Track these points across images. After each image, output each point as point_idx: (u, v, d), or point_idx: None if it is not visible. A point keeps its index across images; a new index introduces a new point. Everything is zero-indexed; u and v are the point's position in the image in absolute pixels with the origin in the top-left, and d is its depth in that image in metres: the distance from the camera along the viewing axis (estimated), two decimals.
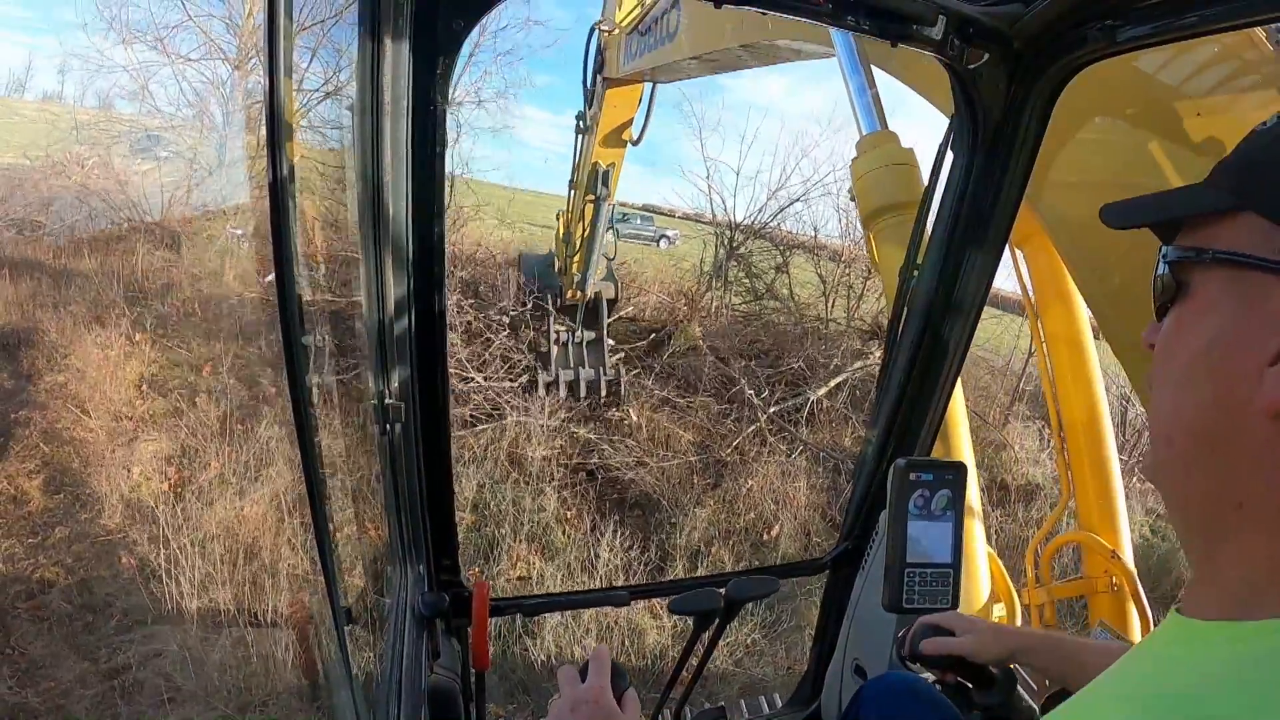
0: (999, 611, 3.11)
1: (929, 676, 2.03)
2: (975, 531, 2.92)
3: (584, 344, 10.33)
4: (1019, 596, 3.21)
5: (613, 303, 10.41)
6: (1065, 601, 3.69)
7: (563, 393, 9.96)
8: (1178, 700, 0.58)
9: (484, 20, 1.55)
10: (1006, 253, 3.51)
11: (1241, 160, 0.70)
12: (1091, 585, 3.41)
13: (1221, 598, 0.65)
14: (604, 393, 10.23)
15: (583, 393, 10.11)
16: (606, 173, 8.18)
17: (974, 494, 2.91)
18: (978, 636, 1.56)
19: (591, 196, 8.35)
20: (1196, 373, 0.67)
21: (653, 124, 7.65)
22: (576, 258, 9.54)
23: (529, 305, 10.57)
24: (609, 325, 10.41)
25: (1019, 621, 3.20)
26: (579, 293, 9.90)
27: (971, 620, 1.62)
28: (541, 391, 9.78)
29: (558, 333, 10.21)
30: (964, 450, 2.87)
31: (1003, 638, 1.55)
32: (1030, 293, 3.52)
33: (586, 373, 10.16)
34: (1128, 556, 3.31)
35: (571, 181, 8.93)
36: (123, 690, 5.21)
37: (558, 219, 9.94)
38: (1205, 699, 0.56)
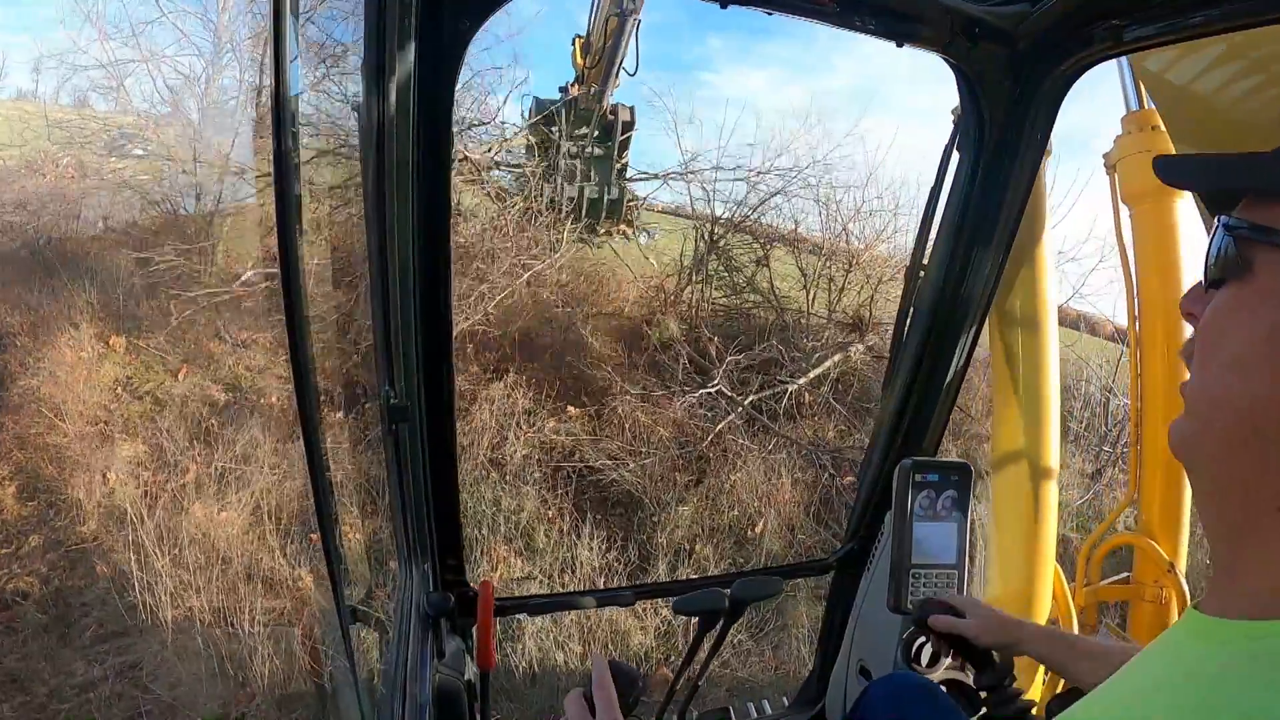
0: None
1: (934, 677, 2.05)
2: (1048, 545, 2.87)
3: (593, 159, 10.11)
4: (1071, 597, 3.12)
5: (628, 125, 10.20)
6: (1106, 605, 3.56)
7: (565, 209, 9.81)
8: (1198, 696, 0.57)
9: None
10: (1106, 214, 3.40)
11: None
12: (1138, 592, 3.25)
13: (1245, 597, 0.62)
14: (605, 211, 10.11)
15: (585, 210, 10.01)
16: None
17: (1052, 506, 2.86)
18: (983, 621, 1.62)
19: (616, 10, 8.26)
20: (1252, 360, 0.63)
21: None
22: (595, 69, 9.35)
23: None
24: (620, 143, 10.20)
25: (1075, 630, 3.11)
26: (594, 103, 9.71)
27: (981, 605, 1.69)
28: (545, 206, 9.58)
29: (566, 147, 9.95)
30: (1052, 459, 2.82)
31: (1007, 626, 1.61)
32: (1131, 259, 3.26)
33: (591, 189, 9.96)
34: (1184, 571, 3.15)
35: None
36: (99, 703, 5.13)
37: (573, 43, 9.77)
38: (1225, 695, 0.55)
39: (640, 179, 12.52)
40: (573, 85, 10.21)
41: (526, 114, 11.10)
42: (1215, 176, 0.76)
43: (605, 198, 10.15)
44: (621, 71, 9.34)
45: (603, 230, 10.34)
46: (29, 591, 6.10)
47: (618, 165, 10.36)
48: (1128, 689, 0.66)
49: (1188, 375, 0.72)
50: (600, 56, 9.05)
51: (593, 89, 9.63)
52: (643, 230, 12.74)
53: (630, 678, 1.33)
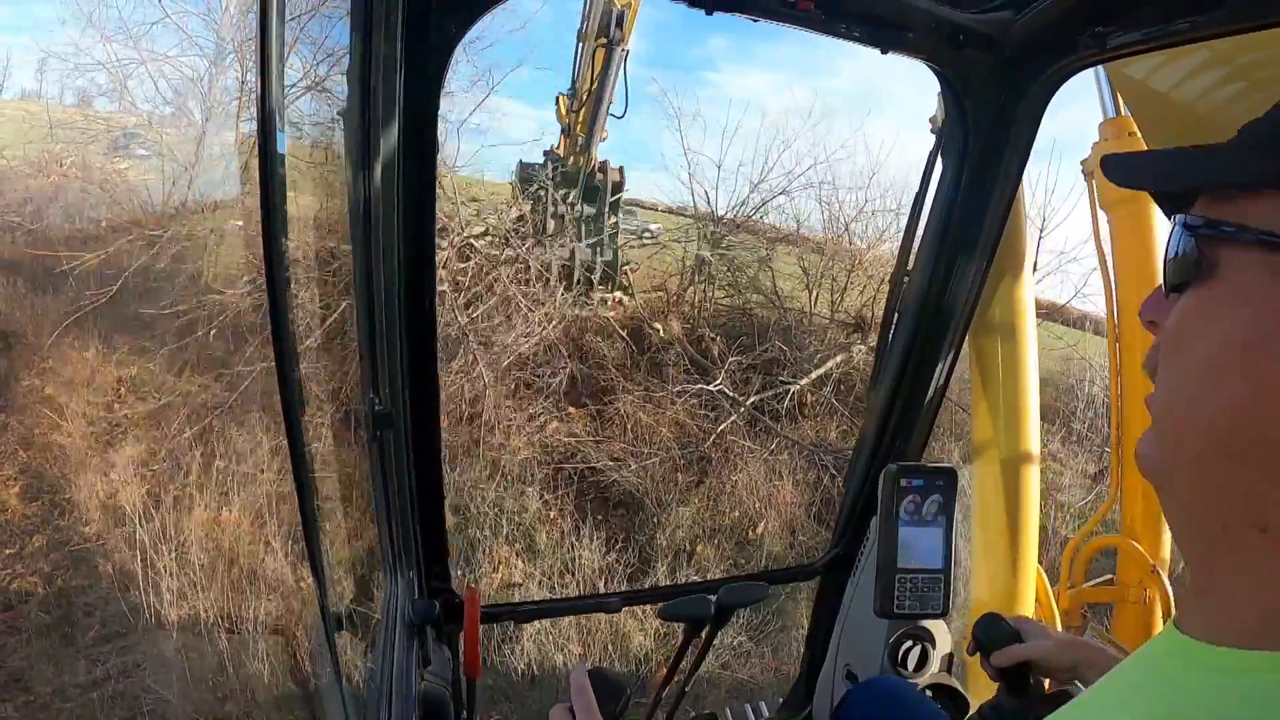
0: None
1: (920, 682, 2.05)
2: (1030, 548, 2.86)
3: (583, 219, 9.77)
4: (1055, 600, 3.12)
5: (618, 185, 9.91)
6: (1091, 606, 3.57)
7: (556, 275, 9.45)
8: None
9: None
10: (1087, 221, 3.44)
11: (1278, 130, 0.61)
12: (1122, 594, 3.30)
13: (1230, 622, 0.57)
14: (599, 274, 9.75)
15: (578, 275, 9.61)
16: (622, 14, 7.73)
17: (1034, 509, 2.85)
18: (1051, 645, 1.47)
19: (603, 40, 7.88)
20: (1224, 369, 0.58)
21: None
22: (581, 114, 9.06)
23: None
24: (611, 204, 9.88)
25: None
26: (582, 157, 9.40)
27: (1039, 626, 1.55)
28: (535, 273, 9.24)
29: (554, 207, 9.62)
30: (1033, 464, 2.79)
31: (1071, 649, 1.46)
32: (1110, 264, 3.28)
33: (583, 252, 9.66)
34: (1167, 572, 3.18)
35: (580, 32, 8.51)
36: (102, 702, 5.15)
37: (558, 102, 9.52)
38: None
39: (638, 207, 12.29)
40: (558, 145, 10.00)
41: (513, 178, 10.79)
42: (1168, 173, 0.71)
43: (598, 259, 9.84)
44: (609, 117, 8.98)
45: (597, 298, 10.09)
46: (32, 592, 6.13)
47: (609, 226, 10.14)
48: (1114, 707, 0.63)
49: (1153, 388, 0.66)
50: (586, 98, 8.71)
51: (580, 140, 9.32)
52: (644, 229, 12.70)
53: (616, 686, 1.31)
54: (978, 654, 1.55)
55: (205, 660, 5.42)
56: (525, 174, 10.24)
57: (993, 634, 1.52)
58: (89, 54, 10.62)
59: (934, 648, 2.08)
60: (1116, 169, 0.72)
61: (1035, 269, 11.81)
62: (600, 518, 8.08)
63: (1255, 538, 0.56)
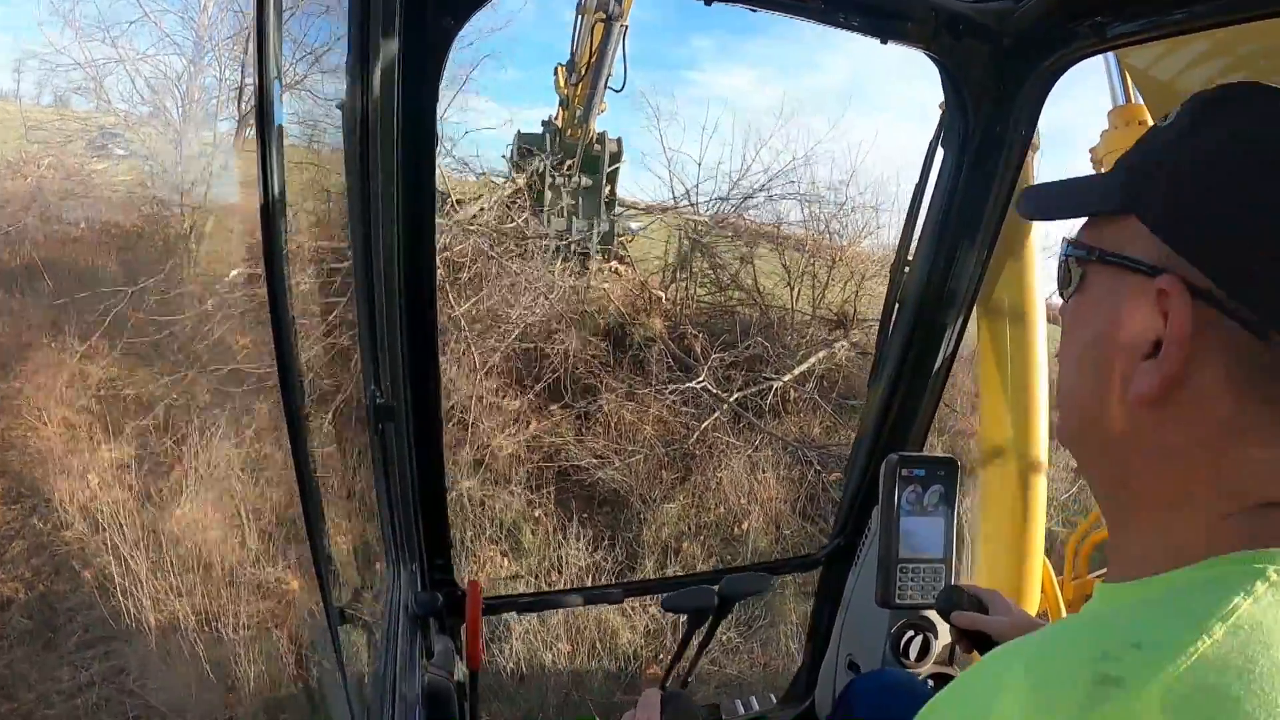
0: None
1: (921, 671, 2.06)
2: (1036, 538, 2.87)
3: (580, 190, 9.78)
4: (1060, 590, 3.14)
5: (616, 155, 9.96)
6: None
7: (553, 246, 9.43)
8: (1090, 631, 0.63)
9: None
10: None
11: (1135, 162, 0.73)
12: None
13: (1122, 566, 0.71)
14: (597, 246, 9.77)
15: (573, 245, 9.61)
16: None
17: (1041, 499, 2.85)
18: (1011, 621, 1.58)
19: (602, 15, 7.91)
20: (1085, 362, 0.73)
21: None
22: (580, 86, 9.10)
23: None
24: (609, 175, 9.89)
25: None
26: (579, 129, 9.41)
27: (1007, 603, 1.64)
28: (531, 245, 9.24)
29: (552, 178, 9.63)
30: (1040, 453, 2.80)
31: (1031, 629, 1.51)
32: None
33: (580, 223, 9.67)
34: None
35: (580, 4, 8.56)
36: (87, 709, 5.08)
37: (555, 72, 9.50)
38: (1115, 627, 0.60)
39: (630, 207, 12.33)
40: (556, 117, 10.01)
41: (510, 151, 10.79)
42: (1055, 205, 0.84)
43: (595, 230, 9.83)
44: (607, 90, 8.99)
45: (594, 267, 10.08)
46: (13, 597, 6.04)
47: (606, 198, 10.12)
48: (1022, 641, 0.70)
49: None
50: (585, 71, 8.73)
51: (578, 112, 9.32)
52: (626, 226, 12.68)
53: (694, 713, 1.32)
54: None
55: (208, 652, 5.37)
56: (523, 144, 10.20)
57: (952, 600, 1.65)
58: (67, 53, 10.49)
59: (936, 638, 2.09)
60: (1026, 205, 0.86)
61: None
62: (585, 515, 8.06)
63: (1125, 493, 0.72)
